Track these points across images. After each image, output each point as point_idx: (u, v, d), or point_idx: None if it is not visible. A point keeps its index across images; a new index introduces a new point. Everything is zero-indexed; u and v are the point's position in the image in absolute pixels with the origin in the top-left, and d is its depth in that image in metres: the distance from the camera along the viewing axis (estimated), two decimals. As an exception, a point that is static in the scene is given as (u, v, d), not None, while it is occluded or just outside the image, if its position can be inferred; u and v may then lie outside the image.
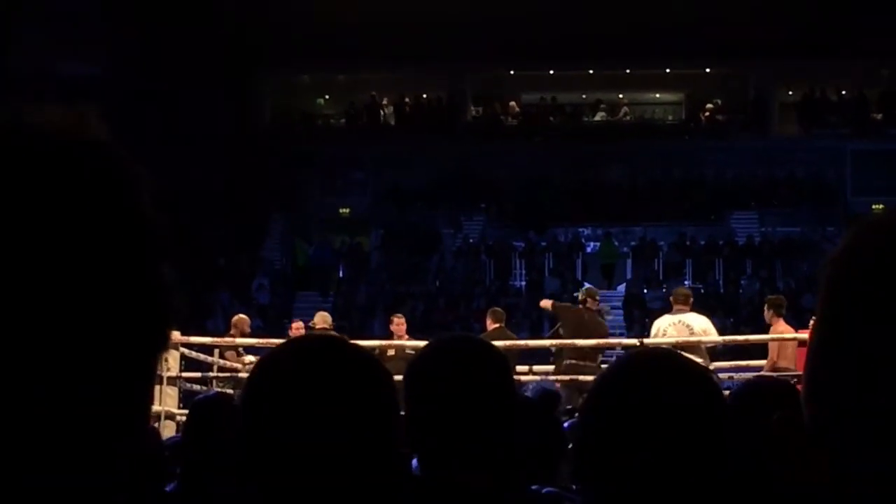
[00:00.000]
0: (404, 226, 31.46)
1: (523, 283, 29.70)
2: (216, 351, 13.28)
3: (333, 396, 1.62)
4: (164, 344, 0.84)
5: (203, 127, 29.41)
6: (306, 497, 1.59)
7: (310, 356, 1.69)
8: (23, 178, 0.78)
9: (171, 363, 11.28)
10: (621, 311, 27.15)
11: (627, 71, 34.79)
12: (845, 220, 29.10)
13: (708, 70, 34.87)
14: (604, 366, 12.09)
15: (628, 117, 35.12)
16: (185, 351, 12.01)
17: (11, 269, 0.75)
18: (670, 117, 36.53)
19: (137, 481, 3.59)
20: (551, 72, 35.04)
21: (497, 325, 12.92)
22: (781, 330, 12.21)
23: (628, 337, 20.98)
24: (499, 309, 13.98)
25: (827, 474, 0.89)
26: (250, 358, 13.19)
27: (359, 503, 1.60)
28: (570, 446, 4.69)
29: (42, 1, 26.75)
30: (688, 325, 11.94)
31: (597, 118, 34.97)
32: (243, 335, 14.09)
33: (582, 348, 11.90)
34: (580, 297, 12.55)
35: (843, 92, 34.33)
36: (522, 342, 13.69)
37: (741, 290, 28.50)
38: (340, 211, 33.63)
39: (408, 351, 12.39)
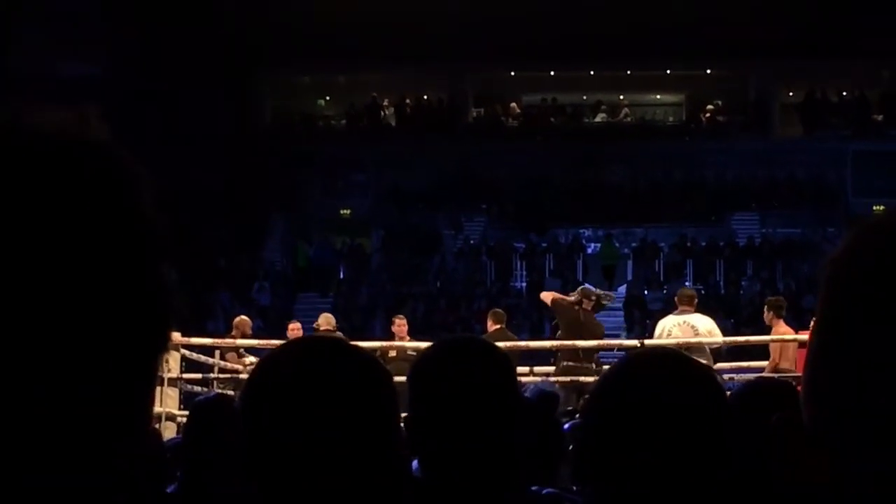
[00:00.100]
0: (405, 227, 31.45)
1: (524, 284, 29.68)
2: (217, 352, 13.27)
3: (334, 398, 1.62)
4: (165, 345, 0.84)
5: (203, 127, 29.41)
6: (307, 498, 1.59)
7: (310, 357, 1.69)
8: (23, 178, 0.78)
9: (172, 364, 11.27)
10: (622, 312, 27.15)
11: (628, 72, 34.80)
12: (846, 221, 29.08)
13: (708, 71, 34.87)
14: (605, 367, 12.12)
15: (629, 118, 35.11)
16: (186, 352, 12.00)
17: (12, 270, 0.75)
18: (671, 118, 36.53)
19: (138, 482, 3.59)
20: (552, 73, 35.04)
21: (498, 327, 12.91)
22: (782, 331, 12.19)
23: (629, 338, 20.98)
24: (500, 310, 13.97)
25: (826, 474, 0.89)
26: (251, 359, 13.17)
27: (359, 504, 1.60)
28: (570, 447, 4.69)
29: (42, 1, 26.76)
30: (693, 326, 11.92)
31: (597, 119, 34.97)
32: (244, 337, 14.07)
33: (577, 349, 11.87)
34: (575, 298, 12.48)
35: (844, 93, 34.32)
36: (523, 343, 13.67)
37: (742, 291, 28.49)
38: (341, 212, 33.61)
39: (409, 352, 12.37)
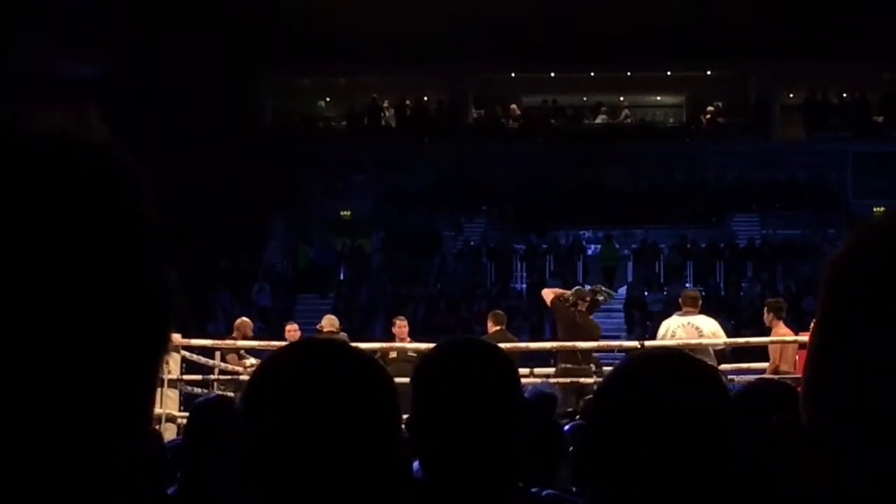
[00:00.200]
0: (405, 228, 31.45)
1: (524, 285, 29.69)
2: (217, 354, 13.26)
3: (334, 399, 1.62)
4: (165, 345, 0.84)
5: (203, 127, 29.41)
6: (307, 499, 1.59)
7: (311, 359, 1.70)
8: (23, 178, 0.78)
9: (172, 366, 11.26)
10: (622, 314, 27.16)
11: (628, 73, 34.80)
12: (846, 222, 29.10)
13: (709, 72, 34.88)
14: (605, 368, 12.11)
15: (629, 120, 35.11)
16: (186, 354, 11.99)
17: (11, 271, 0.75)
18: (671, 120, 36.55)
19: (138, 483, 3.59)
20: (552, 74, 35.05)
21: (498, 328, 12.90)
22: (781, 333, 12.17)
23: (629, 339, 20.97)
24: (500, 311, 13.97)
25: (826, 475, 0.89)
26: (252, 361, 13.16)
27: (359, 505, 1.61)
28: (570, 449, 4.69)
29: (42, 1, 26.76)
30: (697, 328, 11.91)
31: (598, 121, 34.97)
32: (245, 338, 14.06)
33: (576, 351, 11.85)
34: (570, 300, 12.43)
35: (845, 94, 34.33)
36: (523, 345, 13.66)
37: (742, 293, 28.49)
38: (341, 213, 33.61)
39: (409, 353, 12.38)
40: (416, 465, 2.25)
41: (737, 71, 34.31)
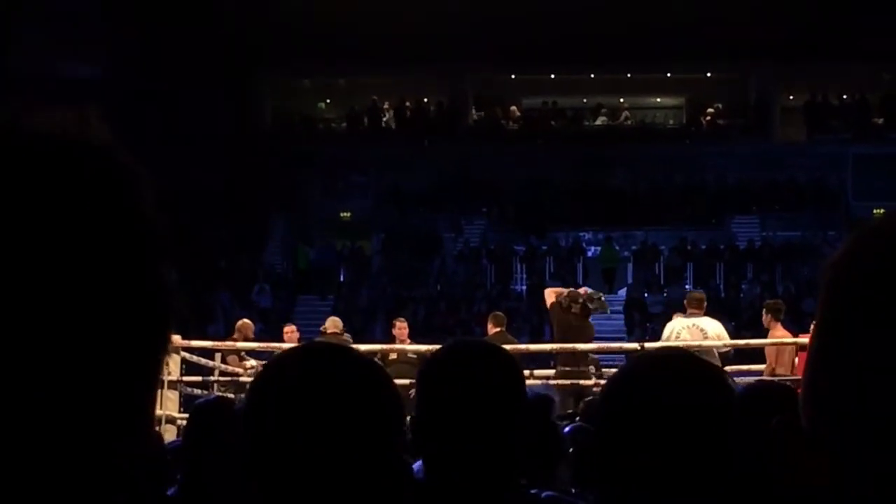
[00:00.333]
0: (405, 229, 31.45)
1: (524, 287, 29.70)
2: (217, 355, 13.25)
3: (335, 401, 1.63)
4: (165, 345, 0.84)
5: (203, 127, 29.41)
6: (308, 500, 1.60)
7: (313, 362, 1.70)
8: (23, 179, 0.78)
9: (172, 367, 11.26)
10: (622, 316, 27.16)
11: (628, 75, 34.81)
12: (846, 224, 29.10)
13: (709, 74, 34.88)
14: (605, 370, 12.11)
15: (629, 121, 35.12)
16: (186, 355, 11.99)
17: (11, 271, 0.75)
18: (671, 121, 36.56)
19: (138, 483, 3.59)
20: (552, 76, 35.06)
21: (498, 330, 12.90)
22: (780, 335, 12.15)
23: (629, 341, 20.97)
24: (500, 313, 13.98)
25: (826, 477, 0.89)
26: (252, 362, 13.16)
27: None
28: (569, 450, 4.69)
29: (42, 1, 26.76)
30: (702, 329, 11.89)
31: (598, 122, 34.98)
32: (247, 340, 14.04)
33: (573, 353, 11.83)
34: (564, 304, 12.36)
35: (845, 96, 34.34)
36: (523, 346, 13.65)
37: (742, 295, 28.49)
38: (341, 214, 33.61)
39: (410, 355, 12.36)
40: (417, 465, 2.25)
41: (737, 72, 34.32)
